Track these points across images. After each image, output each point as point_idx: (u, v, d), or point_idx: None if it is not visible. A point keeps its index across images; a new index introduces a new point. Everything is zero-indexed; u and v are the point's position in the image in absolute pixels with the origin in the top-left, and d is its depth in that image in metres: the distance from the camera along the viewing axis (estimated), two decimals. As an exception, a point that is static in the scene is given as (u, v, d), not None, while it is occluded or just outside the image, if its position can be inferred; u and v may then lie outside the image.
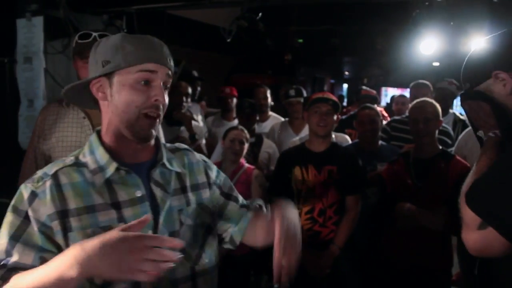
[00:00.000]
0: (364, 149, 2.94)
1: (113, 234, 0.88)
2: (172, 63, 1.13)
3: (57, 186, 1.05)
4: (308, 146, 2.58)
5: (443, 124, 2.93)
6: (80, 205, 1.04)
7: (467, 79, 1.32)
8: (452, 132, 3.32)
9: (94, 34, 1.80)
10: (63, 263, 0.89)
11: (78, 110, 1.86)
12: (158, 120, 1.11)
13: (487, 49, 1.26)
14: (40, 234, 1.01)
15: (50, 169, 1.08)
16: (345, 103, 10.92)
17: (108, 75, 1.09)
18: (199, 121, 3.71)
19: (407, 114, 2.71)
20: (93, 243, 0.87)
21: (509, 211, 1.03)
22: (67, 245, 1.01)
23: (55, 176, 1.06)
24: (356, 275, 2.55)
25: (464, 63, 1.32)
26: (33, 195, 1.03)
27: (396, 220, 2.32)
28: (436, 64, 8.24)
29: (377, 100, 5.07)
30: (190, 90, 3.52)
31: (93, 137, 1.14)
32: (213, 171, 1.29)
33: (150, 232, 1.08)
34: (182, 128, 3.21)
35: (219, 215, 1.26)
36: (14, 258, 0.98)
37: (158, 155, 1.17)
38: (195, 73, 4.44)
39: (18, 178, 1.93)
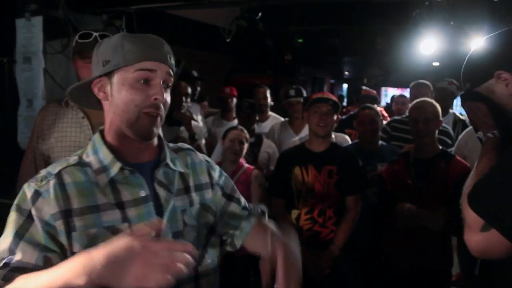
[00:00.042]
0: (364, 149, 2.93)
1: (120, 242, 0.86)
2: (173, 61, 1.12)
3: (61, 185, 1.04)
4: (308, 146, 2.57)
5: (443, 124, 2.92)
6: (84, 205, 1.03)
7: (467, 79, 1.31)
8: (452, 132, 3.32)
9: (94, 34, 1.80)
10: (71, 271, 0.87)
11: (77, 110, 1.86)
12: (159, 118, 1.10)
13: (489, 49, 1.25)
14: (43, 233, 1.00)
15: (54, 168, 1.07)
16: (345, 103, 10.92)
17: (109, 75, 1.08)
18: (198, 121, 3.70)
19: (407, 114, 2.70)
20: (101, 252, 0.85)
21: None
22: (70, 245, 1.01)
23: (59, 176, 1.05)
24: (356, 275, 2.55)
25: (465, 63, 1.31)
26: (37, 194, 1.02)
27: (396, 220, 2.32)
28: (436, 64, 8.24)
29: (377, 100, 5.07)
30: (189, 90, 3.52)
31: (96, 137, 1.13)
32: (216, 172, 1.28)
33: (153, 233, 1.07)
34: (182, 128, 3.21)
35: (220, 216, 1.26)
36: (18, 256, 0.97)
37: (161, 155, 1.17)
38: (195, 73, 4.44)
39: (17, 178, 1.92)
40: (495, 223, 1.05)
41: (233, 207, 1.28)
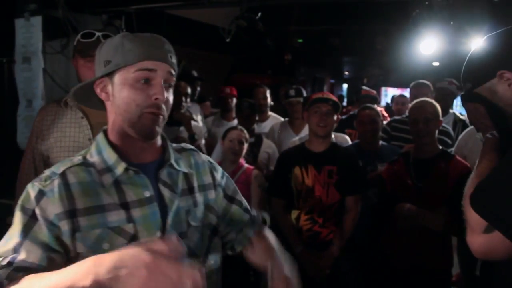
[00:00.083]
0: (365, 150, 2.93)
1: (132, 251, 0.85)
2: (174, 60, 1.11)
3: (66, 185, 1.03)
4: (308, 146, 2.57)
5: (443, 124, 2.92)
6: (88, 205, 1.03)
7: (468, 78, 1.29)
8: (452, 132, 3.31)
9: (97, 33, 1.79)
10: (78, 272, 0.86)
11: (76, 110, 1.85)
12: (161, 118, 1.09)
13: (491, 48, 1.23)
14: (48, 233, 0.99)
15: (58, 168, 1.07)
16: (345, 103, 10.92)
17: (110, 75, 1.08)
18: (198, 121, 3.70)
19: (407, 114, 2.70)
20: (111, 256, 0.85)
21: None
22: (74, 245, 1.00)
23: (63, 175, 1.05)
24: (356, 275, 2.55)
25: (465, 62, 1.30)
26: (41, 193, 1.02)
27: (396, 220, 2.31)
28: (436, 64, 8.24)
29: (377, 100, 5.07)
30: (189, 90, 3.52)
31: (100, 137, 1.13)
32: (219, 173, 1.28)
33: (158, 233, 1.07)
34: (182, 128, 3.21)
35: (221, 218, 1.26)
36: (21, 256, 0.96)
37: (165, 155, 1.16)
38: (195, 73, 4.43)
39: (16, 179, 1.92)
40: (498, 224, 1.04)
41: (234, 209, 1.28)
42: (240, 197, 1.31)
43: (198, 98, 4.87)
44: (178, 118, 3.15)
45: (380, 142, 3.05)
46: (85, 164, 1.08)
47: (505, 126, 1.24)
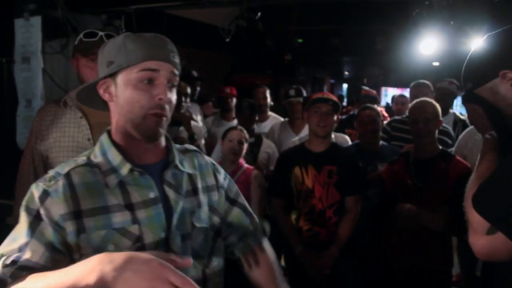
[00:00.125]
0: (365, 150, 2.93)
1: (142, 254, 0.86)
2: (177, 60, 1.10)
3: (70, 185, 1.03)
4: (308, 146, 2.57)
5: (443, 124, 2.92)
6: (93, 206, 1.02)
7: (469, 78, 1.27)
8: (452, 132, 3.31)
9: (100, 33, 1.79)
10: (83, 269, 0.86)
11: (75, 110, 1.85)
12: (164, 119, 1.08)
13: (492, 48, 1.21)
14: (53, 233, 0.99)
15: (63, 168, 1.06)
16: (345, 103, 10.92)
17: (113, 76, 1.07)
18: (198, 121, 3.70)
19: (407, 114, 2.70)
20: (121, 255, 0.85)
21: None
22: (79, 247, 1.00)
23: (68, 176, 1.04)
24: (356, 275, 2.54)
25: (466, 62, 1.28)
26: (45, 193, 1.01)
27: (396, 220, 2.31)
28: (436, 63, 8.24)
29: (377, 100, 5.07)
30: (189, 90, 3.51)
31: (104, 138, 1.12)
32: (221, 175, 1.27)
33: (163, 235, 1.06)
34: (181, 128, 3.20)
35: (223, 220, 1.25)
36: (26, 255, 0.96)
37: (169, 156, 1.16)
38: (195, 73, 4.43)
39: (15, 179, 1.92)
40: (501, 226, 1.04)
41: (235, 212, 1.27)
42: (243, 200, 1.31)
43: (201, 98, 4.87)
44: (177, 118, 3.15)
45: (381, 142, 3.04)
46: (89, 164, 1.08)
47: (504, 127, 1.23)
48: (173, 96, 1.10)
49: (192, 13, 4.03)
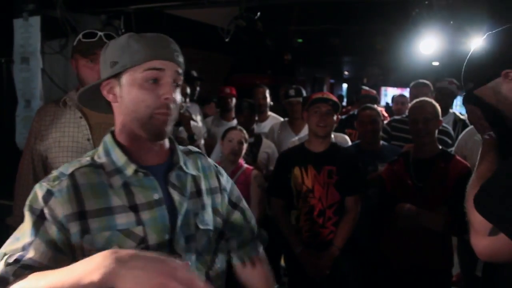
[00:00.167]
0: (366, 150, 2.93)
1: (151, 255, 0.85)
2: (181, 59, 1.10)
3: (75, 186, 1.02)
4: (308, 146, 2.56)
5: (443, 124, 2.92)
6: (98, 207, 1.02)
7: (470, 78, 1.26)
8: (452, 132, 3.31)
9: (99, 33, 1.78)
10: (88, 266, 0.85)
11: (75, 110, 1.85)
12: (170, 118, 1.08)
13: (494, 47, 1.20)
14: (57, 233, 0.98)
15: (67, 169, 1.06)
16: (344, 103, 10.92)
17: (117, 76, 1.07)
18: (198, 121, 3.70)
19: (407, 113, 2.70)
20: (128, 251, 0.84)
21: None
22: (82, 248, 0.99)
23: (72, 176, 1.04)
24: (356, 275, 2.54)
25: (466, 61, 1.27)
26: (49, 193, 1.01)
27: (396, 220, 2.31)
28: (435, 63, 8.24)
29: (377, 100, 5.06)
30: (188, 90, 3.51)
31: (108, 138, 1.12)
32: (224, 177, 1.27)
33: (167, 237, 1.06)
34: (181, 128, 3.20)
35: (225, 222, 1.25)
36: (30, 254, 0.95)
37: (173, 157, 1.15)
38: (194, 73, 4.43)
39: (15, 179, 1.91)
40: (503, 227, 1.03)
41: (236, 216, 1.27)
42: (244, 205, 1.30)
43: (203, 99, 4.87)
44: (177, 118, 3.14)
45: (381, 142, 3.04)
46: (93, 165, 1.07)
47: (503, 128, 1.23)
48: (178, 96, 1.10)
49: (191, 13, 4.02)
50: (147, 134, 1.07)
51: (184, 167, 1.15)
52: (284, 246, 2.60)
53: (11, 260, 0.94)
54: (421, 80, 3.94)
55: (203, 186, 1.19)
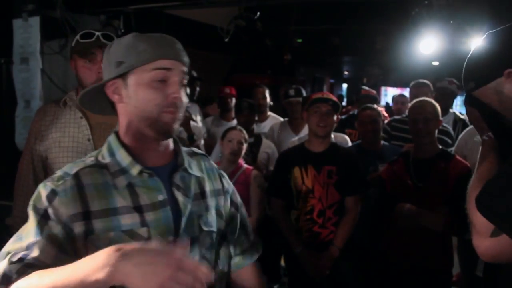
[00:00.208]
0: (366, 150, 2.92)
1: (153, 245, 0.85)
2: (186, 59, 1.10)
3: (79, 186, 1.02)
4: (308, 146, 2.56)
5: (443, 124, 2.91)
6: (102, 207, 1.01)
7: (471, 78, 1.23)
8: (452, 132, 3.31)
9: (97, 33, 1.78)
10: (92, 264, 0.84)
11: (75, 110, 1.85)
12: (178, 116, 1.08)
13: (496, 46, 1.18)
14: (61, 233, 0.98)
15: (71, 168, 1.05)
16: (344, 103, 10.91)
17: (123, 76, 1.06)
18: (197, 121, 3.69)
19: (407, 113, 2.69)
20: (132, 247, 0.84)
21: None
22: (86, 248, 0.99)
23: (76, 176, 1.03)
24: (356, 276, 2.54)
25: (467, 61, 1.25)
26: (53, 193, 1.00)
27: (396, 220, 2.31)
28: (435, 63, 8.24)
29: (377, 100, 5.06)
30: (188, 90, 3.51)
31: (112, 139, 1.11)
32: (226, 181, 1.27)
33: (171, 238, 1.06)
34: (181, 128, 3.20)
35: (227, 225, 1.25)
36: (34, 253, 0.95)
37: (177, 159, 1.15)
38: (194, 73, 4.42)
39: (14, 180, 1.91)
40: (506, 227, 1.03)
41: (237, 221, 1.27)
42: (243, 212, 1.30)
43: (206, 99, 4.86)
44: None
45: (382, 142, 3.04)
46: (98, 165, 1.07)
47: (502, 130, 1.22)
48: (184, 95, 1.10)
49: (191, 13, 4.02)
50: (155, 133, 1.07)
51: (188, 169, 1.15)
52: (284, 246, 2.60)
53: (14, 258, 0.94)
54: (421, 80, 3.94)
55: (207, 187, 1.18)
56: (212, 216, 1.16)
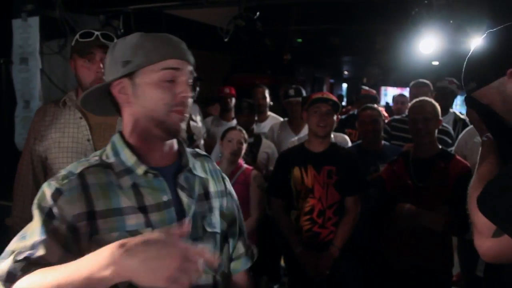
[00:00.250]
0: (367, 150, 2.92)
1: (156, 236, 0.84)
2: (192, 59, 1.10)
3: (84, 185, 1.01)
4: (308, 146, 2.56)
5: (443, 124, 2.91)
6: (107, 207, 1.01)
7: (472, 78, 1.21)
8: (452, 132, 3.31)
9: (96, 33, 1.78)
10: (96, 261, 0.84)
11: (74, 110, 1.84)
12: (186, 115, 1.08)
13: (497, 45, 1.16)
14: (66, 232, 0.97)
15: (75, 168, 1.05)
16: (344, 103, 10.91)
17: (130, 76, 1.05)
18: (197, 121, 3.69)
19: (407, 113, 2.69)
20: (136, 242, 0.83)
21: None
22: (90, 248, 0.97)
23: (81, 176, 1.02)
24: (356, 276, 2.54)
25: (467, 61, 1.23)
26: (58, 192, 0.99)
27: (396, 220, 2.30)
28: (435, 63, 8.24)
29: (377, 100, 5.05)
30: (188, 90, 3.50)
31: (117, 139, 1.10)
32: (228, 183, 1.28)
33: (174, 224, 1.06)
34: (180, 128, 3.19)
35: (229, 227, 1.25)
36: (39, 252, 0.94)
37: (182, 159, 1.15)
38: (194, 73, 4.41)
39: (14, 180, 1.91)
40: (507, 227, 1.02)
41: (236, 225, 1.27)
42: (241, 217, 1.30)
43: (207, 99, 4.85)
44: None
45: (383, 142, 3.04)
46: (102, 165, 1.06)
47: (501, 131, 1.21)
48: (191, 95, 1.09)
49: (190, 13, 4.02)
50: (163, 132, 1.06)
51: (192, 169, 1.15)
52: (284, 246, 2.60)
53: (20, 257, 0.94)
54: (421, 80, 3.93)
55: (211, 188, 1.18)
56: (216, 218, 1.16)
